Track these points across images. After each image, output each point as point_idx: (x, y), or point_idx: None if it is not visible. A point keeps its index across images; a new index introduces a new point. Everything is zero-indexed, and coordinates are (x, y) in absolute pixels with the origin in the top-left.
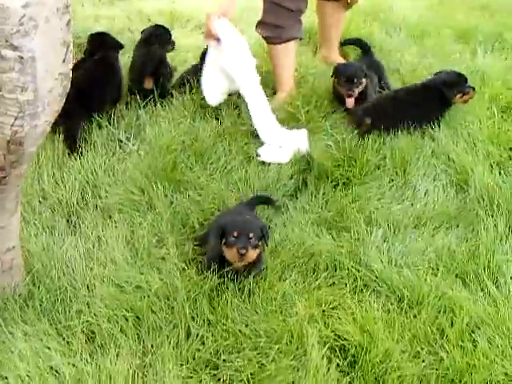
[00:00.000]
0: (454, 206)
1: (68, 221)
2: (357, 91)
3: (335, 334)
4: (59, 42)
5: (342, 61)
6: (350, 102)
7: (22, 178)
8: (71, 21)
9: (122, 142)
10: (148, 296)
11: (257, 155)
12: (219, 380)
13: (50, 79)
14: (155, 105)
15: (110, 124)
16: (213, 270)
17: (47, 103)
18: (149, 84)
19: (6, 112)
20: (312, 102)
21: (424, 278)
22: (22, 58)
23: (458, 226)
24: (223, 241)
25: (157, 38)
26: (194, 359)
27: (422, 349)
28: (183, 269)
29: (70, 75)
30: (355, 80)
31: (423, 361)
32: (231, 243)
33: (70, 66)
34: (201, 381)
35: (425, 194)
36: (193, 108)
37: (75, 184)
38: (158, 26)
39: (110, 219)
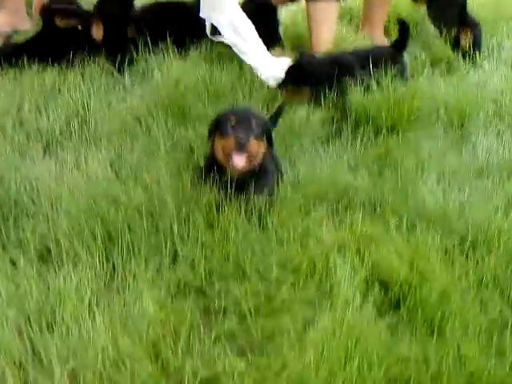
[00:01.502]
0: None
1: (45, 150)
2: None
3: (374, 269)
4: None
5: (384, 40)
6: None
7: None
8: None
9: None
10: (126, 210)
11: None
12: (208, 310)
13: None
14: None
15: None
16: (210, 182)
17: None
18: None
19: None
20: None
21: (491, 220)
22: None
23: None
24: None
25: None
26: (178, 287)
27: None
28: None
29: None
30: None
31: (492, 309)
32: (227, 132)
33: None
34: (183, 308)
35: (486, 149)
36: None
37: (60, 114)
38: None
39: (95, 147)
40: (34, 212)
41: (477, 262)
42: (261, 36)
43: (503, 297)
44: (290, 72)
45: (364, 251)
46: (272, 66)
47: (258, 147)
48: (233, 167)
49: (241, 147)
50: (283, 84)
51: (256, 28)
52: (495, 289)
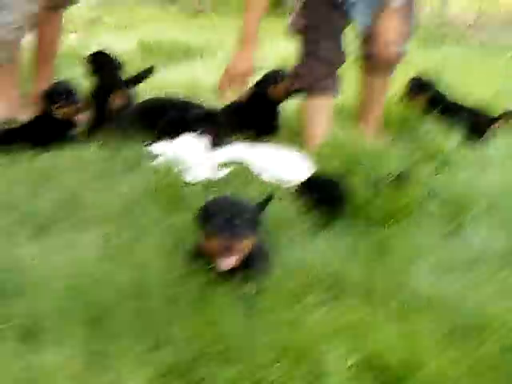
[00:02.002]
0: None
1: (34, 233)
2: None
3: (366, 356)
4: None
5: (383, 137)
6: None
7: None
8: None
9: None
10: (111, 291)
11: None
12: None
13: None
14: None
15: None
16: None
17: None
18: None
19: None
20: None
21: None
22: None
23: None
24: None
25: None
26: (162, 370)
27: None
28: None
29: None
30: None
31: None
32: (212, 231)
33: None
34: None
35: (480, 241)
36: None
37: (49, 200)
38: None
39: (84, 231)
40: (17, 292)
41: (472, 349)
42: (260, 126)
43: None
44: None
45: (356, 338)
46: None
47: (246, 245)
48: (219, 267)
49: (227, 251)
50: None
51: (255, 117)
52: (491, 374)
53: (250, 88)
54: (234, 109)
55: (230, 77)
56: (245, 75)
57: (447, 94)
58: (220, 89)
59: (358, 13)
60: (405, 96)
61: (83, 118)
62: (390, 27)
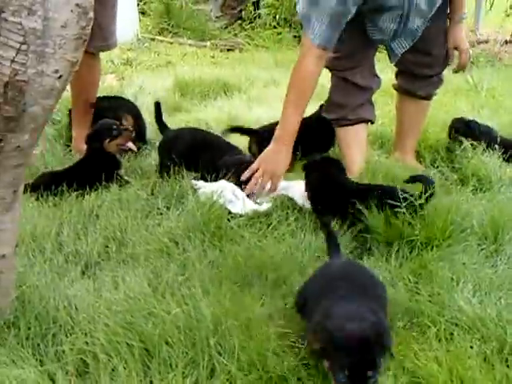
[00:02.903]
0: None
1: (83, 271)
2: None
3: (413, 377)
4: None
5: (418, 165)
6: None
7: (22, 158)
8: None
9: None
10: (163, 324)
11: None
12: None
13: (64, 8)
14: None
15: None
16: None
17: (58, 44)
18: None
19: (7, 41)
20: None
21: None
22: None
23: None
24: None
25: None
26: None
27: None
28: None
29: (91, 15)
30: None
31: None
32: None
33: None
34: None
35: None
36: None
37: (98, 238)
38: None
39: (133, 266)
40: (72, 328)
41: None
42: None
43: None
44: None
45: (403, 359)
46: None
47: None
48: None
49: None
50: None
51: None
52: None
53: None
54: None
55: (261, 171)
56: (274, 176)
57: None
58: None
59: (396, 42)
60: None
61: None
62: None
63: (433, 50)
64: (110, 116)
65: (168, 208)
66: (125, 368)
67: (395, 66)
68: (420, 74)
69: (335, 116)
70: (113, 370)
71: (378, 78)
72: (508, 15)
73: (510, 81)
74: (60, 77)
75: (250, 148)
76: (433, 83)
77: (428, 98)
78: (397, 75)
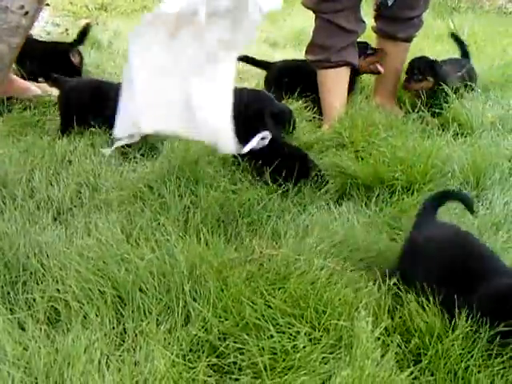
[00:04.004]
0: None
1: (56, 217)
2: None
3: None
4: None
5: (399, 110)
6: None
7: None
8: None
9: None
10: (137, 270)
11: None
12: (222, 369)
13: None
14: None
15: None
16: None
17: None
18: None
19: None
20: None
21: None
22: None
23: None
24: None
25: None
26: (191, 346)
27: None
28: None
29: None
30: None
31: None
32: None
33: None
34: (196, 367)
35: (504, 205)
36: None
37: (70, 183)
38: None
39: (106, 212)
40: (43, 275)
41: None
42: None
43: None
44: None
45: (384, 305)
46: None
47: None
48: None
49: None
50: None
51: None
52: None
53: None
54: None
55: None
56: None
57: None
58: None
59: None
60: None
61: None
62: None
63: None
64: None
65: (143, 155)
66: (97, 315)
67: (375, 9)
68: (401, 16)
69: (317, 58)
70: (85, 317)
71: (364, 22)
72: None
73: (491, 27)
74: (26, 13)
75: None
76: (413, 25)
77: (409, 40)
78: (376, 18)
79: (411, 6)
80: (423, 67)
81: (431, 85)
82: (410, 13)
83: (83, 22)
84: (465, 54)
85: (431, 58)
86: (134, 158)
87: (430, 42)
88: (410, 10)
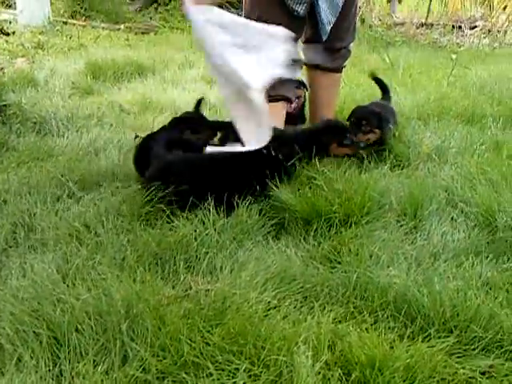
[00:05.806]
0: (480, 240)
1: None
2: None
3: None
4: None
5: None
6: None
7: None
8: None
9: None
10: (72, 310)
11: None
12: None
13: None
14: None
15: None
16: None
17: None
18: None
19: None
20: None
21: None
22: None
23: (487, 258)
24: None
25: None
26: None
27: None
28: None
29: None
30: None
31: None
32: None
33: None
34: None
35: (441, 235)
36: None
37: (5, 224)
38: None
39: (42, 252)
40: None
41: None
42: None
43: None
44: None
45: (324, 338)
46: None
47: None
48: None
49: None
50: None
51: None
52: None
53: None
54: None
55: None
56: None
57: None
58: None
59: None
60: None
61: None
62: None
63: (344, 23)
64: None
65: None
66: (32, 357)
67: (304, 42)
68: (331, 47)
69: None
70: (19, 359)
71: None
72: None
73: (425, 60)
74: None
75: None
76: (342, 55)
77: (339, 70)
78: (305, 50)
79: (341, 37)
80: (371, 118)
81: (377, 137)
82: (341, 43)
83: (19, 62)
84: (386, 94)
85: (371, 107)
86: (71, 196)
87: (365, 76)
88: (339, 42)
